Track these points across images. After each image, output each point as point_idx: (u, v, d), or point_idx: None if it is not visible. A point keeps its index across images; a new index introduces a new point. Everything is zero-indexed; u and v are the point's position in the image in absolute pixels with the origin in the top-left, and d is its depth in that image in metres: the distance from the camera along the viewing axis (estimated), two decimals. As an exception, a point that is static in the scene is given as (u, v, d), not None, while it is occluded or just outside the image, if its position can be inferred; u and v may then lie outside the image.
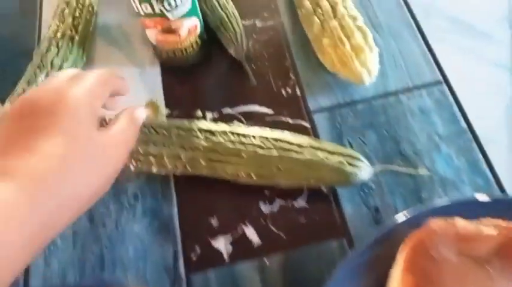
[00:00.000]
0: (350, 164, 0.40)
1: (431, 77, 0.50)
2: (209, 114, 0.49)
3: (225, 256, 0.42)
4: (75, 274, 0.42)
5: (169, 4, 0.44)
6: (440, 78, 0.50)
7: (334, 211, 0.43)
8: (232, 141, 0.42)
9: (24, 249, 0.26)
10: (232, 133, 0.43)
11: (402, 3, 0.55)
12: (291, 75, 0.51)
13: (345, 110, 0.48)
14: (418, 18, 0.54)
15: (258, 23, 0.56)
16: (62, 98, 0.30)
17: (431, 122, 0.47)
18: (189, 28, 0.48)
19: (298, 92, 0.50)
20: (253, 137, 0.42)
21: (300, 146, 0.42)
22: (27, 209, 0.26)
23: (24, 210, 0.25)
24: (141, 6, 0.44)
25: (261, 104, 0.50)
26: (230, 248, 0.43)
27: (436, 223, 0.36)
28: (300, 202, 0.44)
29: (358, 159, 0.41)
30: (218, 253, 0.42)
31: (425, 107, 0.48)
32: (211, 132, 0.43)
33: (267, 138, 0.42)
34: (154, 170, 0.43)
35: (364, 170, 0.41)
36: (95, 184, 0.30)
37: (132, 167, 0.43)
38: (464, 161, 0.45)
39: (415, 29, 0.53)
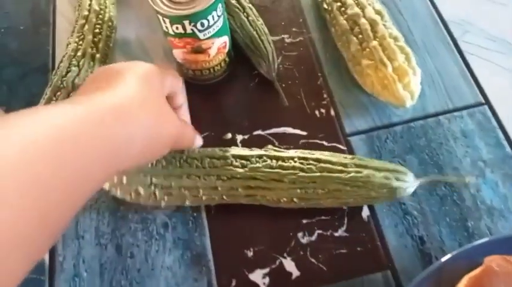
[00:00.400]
0: (397, 179, 0.39)
1: (472, 98, 0.48)
2: (239, 137, 0.47)
3: (263, 289, 0.40)
4: (104, 310, 0.40)
5: (202, 24, 0.42)
6: (482, 99, 0.48)
7: (376, 240, 0.41)
8: (271, 166, 0.40)
9: (93, 167, 0.27)
10: (270, 157, 0.40)
11: (438, 19, 0.53)
12: (324, 95, 0.49)
13: (382, 132, 0.46)
14: (455, 35, 0.52)
15: (287, 39, 0.53)
16: (134, 65, 0.33)
17: (474, 146, 0.45)
18: (219, 47, 0.46)
19: (332, 113, 0.48)
20: (293, 159, 0.40)
21: (342, 164, 0.40)
22: (98, 130, 0.27)
23: (94, 131, 0.27)
24: (172, 26, 0.42)
25: (294, 126, 0.47)
26: (268, 281, 0.40)
27: (494, 261, 0.34)
28: (340, 231, 0.42)
29: (404, 173, 0.40)
30: (255, 286, 0.40)
31: (468, 130, 0.46)
32: (247, 159, 0.40)
33: (307, 159, 0.40)
34: (187, 203, 0.41)
35: (411, 184, 0.40)
36: (151, 138, 0.32)
37: (162, 204, 0.41)
38: (510, 189, 0.43)
39: (452, 46, 0.51)
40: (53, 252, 0.42)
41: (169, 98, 0.37)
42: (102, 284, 0.41)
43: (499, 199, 0.42)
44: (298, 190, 0.40)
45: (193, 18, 0.41)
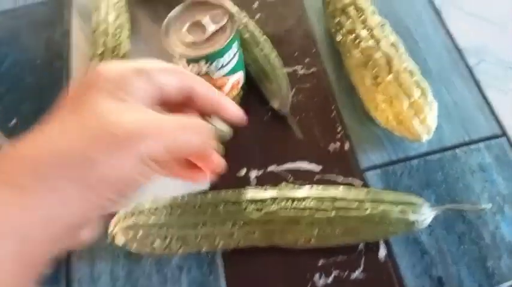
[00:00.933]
0: (413, 211, 0.39)
1: (489, 130, 0.47)
2: (253, 173, 0.47)
3: (280, 332, 0.40)
4: None
5: (218, 63, 0.42)
6: (499, 131, 0.47)
7: (394, 282, 0.41)
8: (286, 209, 0.40)
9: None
10: (284, 199, 0.40)
11: (453, 47, 0.52)
12: (338, 128, 0.49)
13: (398, 167, 0.46)
14: (470, 63, 0.51)
15: (300, 70, 0.53)
16: (99, 74, 0.26)
17: (492, 180, 0.44)
18: (233, 83, 0.46)
19: (346, 147, 0.48)
20: (308, 199, 0.40)
21: (358, 201, 0.39)
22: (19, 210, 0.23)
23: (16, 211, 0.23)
24: (188, 66, 0.42)
25: (308, 160, 0.47)
26: (285, 324, 0.40)
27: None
28: (357, 273, 0.41)
29: (420, 205, 0.39)
30: (272, 329, 0.40)
31: (485, 163, 0.45)
32: (262, 201, 0.40)
33: (322, 199, 0.40)
34: (204, 250, 0.41)
35: (427, 215, 0.39)
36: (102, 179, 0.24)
37: (178, 253, 0.41)
38: (531, 225, 0.42)
39: (468, 76, 0.50)
40: (70, 295, 0.43)
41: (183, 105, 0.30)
42: (119, 327, 0.41)
43: (519, 236, 0.41)
44: (316, 231, 0.39)
45: (210, 58, 0.42)
